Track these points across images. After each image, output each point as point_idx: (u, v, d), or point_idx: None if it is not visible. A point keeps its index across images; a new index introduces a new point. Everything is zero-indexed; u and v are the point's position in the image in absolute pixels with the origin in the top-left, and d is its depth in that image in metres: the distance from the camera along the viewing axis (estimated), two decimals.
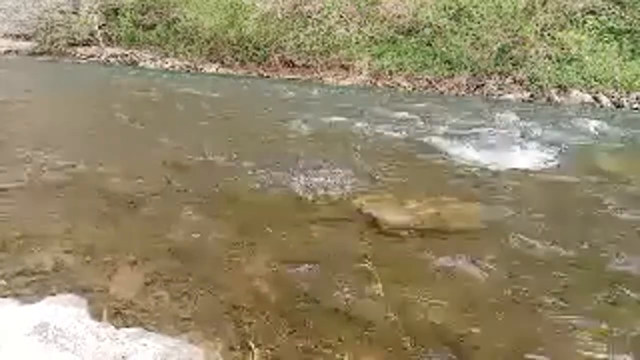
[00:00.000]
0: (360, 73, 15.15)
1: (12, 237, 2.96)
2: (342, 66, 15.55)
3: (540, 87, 13.17)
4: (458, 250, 3.14)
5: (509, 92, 13.33)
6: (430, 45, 14.93)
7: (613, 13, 13.72)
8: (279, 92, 11.83)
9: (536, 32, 13.89)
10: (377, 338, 2.22)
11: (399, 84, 14.54)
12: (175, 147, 5.59)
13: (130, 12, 18.63)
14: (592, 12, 13.89)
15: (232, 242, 3.12)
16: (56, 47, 18.61)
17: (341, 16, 16.21)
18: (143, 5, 18.59)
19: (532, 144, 6.28)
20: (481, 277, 2.83)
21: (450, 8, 15.00)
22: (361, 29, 15.86)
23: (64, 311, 2.12)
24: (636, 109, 11.93)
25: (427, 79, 14.46)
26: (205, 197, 3.92)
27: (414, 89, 14.22)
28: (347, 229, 3.45)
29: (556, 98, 12.75)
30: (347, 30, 15.93)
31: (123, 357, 1.88)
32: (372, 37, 15.68)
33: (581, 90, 12.75)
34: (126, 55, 18.23)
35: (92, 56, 18.36)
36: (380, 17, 15.84)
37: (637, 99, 12.35)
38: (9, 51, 18.73)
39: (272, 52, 16.34)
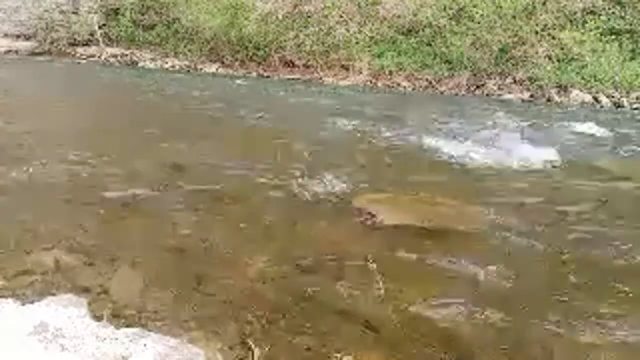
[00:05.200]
0: (360, 73, 15.16)
1: (12, 237, 2.96)
2: (342, 66, 15.55)
3: (540, 87, 13.18)
4: (458, 249, 3.14)
5: (509, 92, 13.33)
6: (430, 45, 14.94)
7: (613, 13, 13.73)
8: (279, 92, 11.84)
9: (536, 32, 13.90)
10: (377, 338, 2.22)
11: (399, 84, 14.55)
12: (176, 148, 5.59)
13: (130, 12, 18.62)
14: (592, 12, 13.90)
15: (232, 242, 3.12)
16: (56, 47, 18.60)
17: (341, 16, 16.20)
18: (143, 5, 18.57)
19: (531, 144, 6.28)
20: (481, 276, 2.83)
21: (450, 8, 15.01)
22: (361, 29, 15.87)
23: (64, 311, 2.12)
24: (636, 109, 11.93)
25: (427, 79, 14.47)
26: (205, 197, 3.92)
27: (414, 89, 14.23)
28: (347, 229, 3.45)
29: (556, 98, 12.76)
30: (347, 30, 15.93)
31: (123, 357, 1.88)
32: (372, 37, 15.68)
33: (581, 90, 12.76)
34: (126, 55, 18.22)
35: (92, 56, 18.35)
36: (380, 17, 15.85)
37: (637, 99, 12.36)
38: (9, 51, 18.71)
39: (272, 52, 16.34)
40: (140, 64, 17.52)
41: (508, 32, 14.01)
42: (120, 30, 18.69)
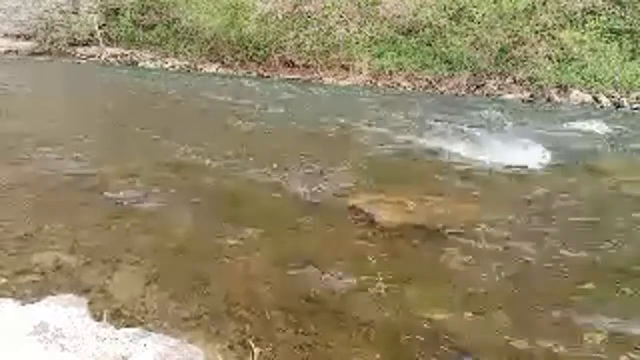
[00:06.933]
0: (360, 73, 15.16)
1: (12, 237, 2.96)
2: (342, 66, 15.55)
3: (540, 87, 13.19)
4: (458, 249, 3.14)
5: (509, 92, 13.33)
6: (430, 45, 14.94)
7: (613, 13, 13.73)
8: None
9: (536, 32, 13.90)
10: (377, 338, 2.22)
11: (399, 84, 14.55)
12: (175, 148, 5.59)
13: (130, 12, 18.62)
14: (592, 12, 13.90)
15: (232, 242, 3.12)
16: (56, 47, 18.60)
17: (341, 16, 16.21)
18: (143, 5, 18.57)
19: (531, 144, 6.28)
20: (481, 276, 2.83)
21: (450, 8, 15.01)
22: (361, 29, 15.87)
23: (64, 311, 2.12)
24: (636, 109, 11.93)
25: (427, 79, 14.47)
26: (205, 198, 3.92)
27: (414, 89, 14.22)
28: (347, 229, 3.45)
29: (556, 98, 12.76)
30: (347, 30, 15.94)
31: (123, 357, 1.88)
32: (372, 37, 15.69)
33: (581, 90, 12.76)
34: (126, 55, 18.22)
35: (92, 56, 18.35)
36: (380, 17, 15.85)
37: (637, 99, 12.36)
38: (9, 51, 18.72)
39: (272, 52, 16.34)
40: (140, 64, 17.52)
41: (508, 32, 14.02)
42: (120, 30, 18.69)
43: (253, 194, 4.12)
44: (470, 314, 2.44)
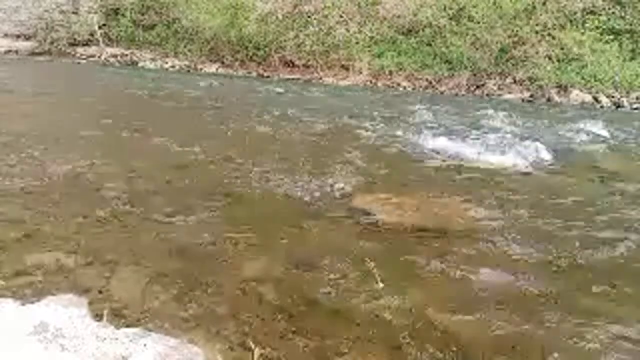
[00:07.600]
0: (360, 73, 15.16)
1: (12, 237, 2.96)
2: (342, 66, 15.55)
3: (540, 87, 13.19)
4: (458, 250, 3.14)
5: (509, 92, 13.34)
6: (430, 45, 14.94)
7: (613, 13, 13.74)
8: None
9: (536, 32, 13.90)
10: (377, 338, 2.22)
11: (399, 84, 14.55)
12: (175, 148, 5.59)
13: (130, 12, 18.61)
14: (592, 12, 13.90)
15: (232, 242, 3.12)
16: (56, 47, 18.57)
17: (341, 16, 16.21)
18: (143, 5, 18.56)
19: (532, 144, 6.28)
20: (481, 276, 2.83)
21: (450, 8, 15.01)
22: (361, 29, 15.87)
23: (64, 311, 2.12)
24: (636, 109, 11.94)
25: (427, 79, 14.47)
26: (204, 198, 3.92)
27: (414, 89, 14.22)
28: (347, 229, 3.45)
29: (556, 98, 12.77)
30: (347, 30, 15.94)
31: (123, 357, 1.88)
32: (372, 37, 15.69)
33: (581, 90, 12.76)
34: (126, 55, 18.21)
35: (92, 56, 18.33)
36: (380, 17, 15.85)
37: (637, 99, 12.37)
38: (9, 51, 18.69)
39: (272, 52, 16.33)
40: (140, 64, 17.51)
41: (508, 32, 14.02)
42: (120, 30, 18.67)
43: (253, 194, 4.12)
44: (470, 315, 2.44)
